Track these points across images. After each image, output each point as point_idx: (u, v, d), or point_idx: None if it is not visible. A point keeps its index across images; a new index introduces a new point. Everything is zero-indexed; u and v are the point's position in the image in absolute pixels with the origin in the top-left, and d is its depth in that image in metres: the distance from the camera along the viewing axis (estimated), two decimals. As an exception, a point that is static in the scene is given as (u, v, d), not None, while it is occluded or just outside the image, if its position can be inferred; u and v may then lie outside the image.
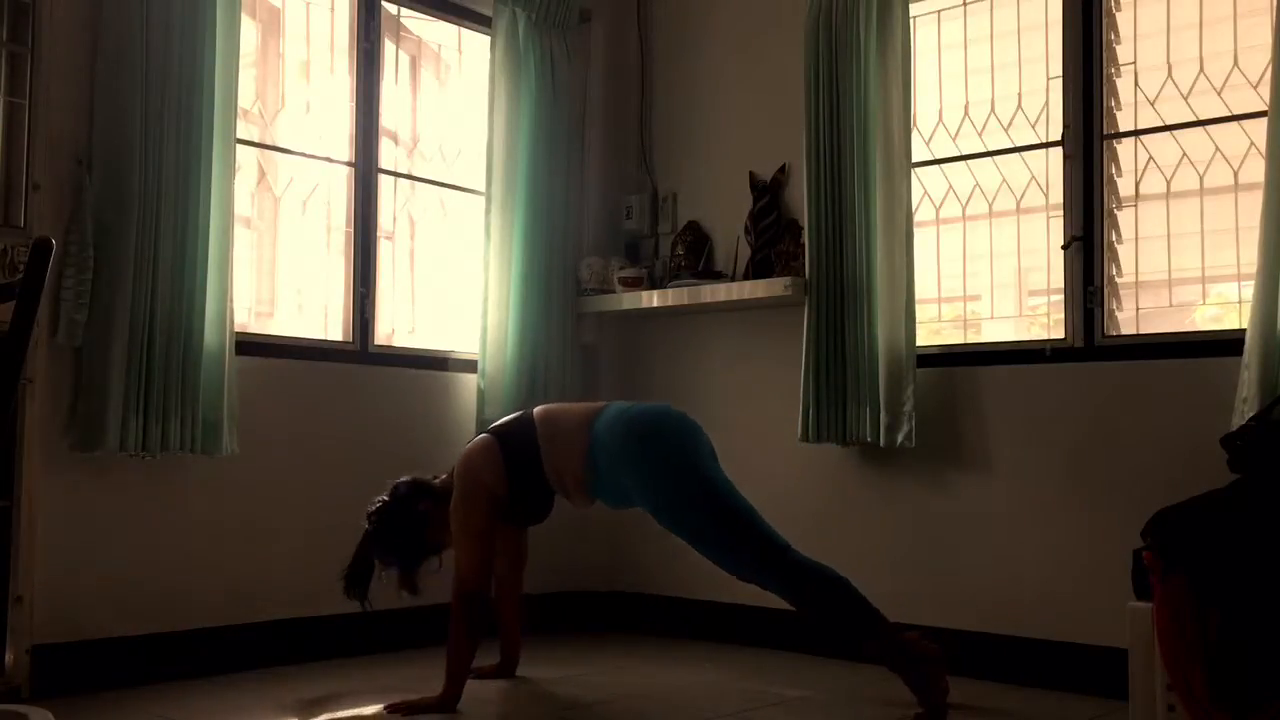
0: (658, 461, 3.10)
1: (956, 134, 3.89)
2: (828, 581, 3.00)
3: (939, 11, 3.95)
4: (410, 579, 3.20)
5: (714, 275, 4.26)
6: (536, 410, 3.29)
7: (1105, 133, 3.54)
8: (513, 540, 3.43)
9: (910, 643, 2.97)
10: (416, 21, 4.33)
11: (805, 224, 3.93)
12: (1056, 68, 3.63)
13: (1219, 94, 3.38)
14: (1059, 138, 3.61)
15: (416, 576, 3.21)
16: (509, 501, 3.19)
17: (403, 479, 3.28)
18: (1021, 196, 3.74)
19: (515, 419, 3.29)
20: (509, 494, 3.17)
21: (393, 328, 4.16)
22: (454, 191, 4.35)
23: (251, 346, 3.60)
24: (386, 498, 3.24)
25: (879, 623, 2.99)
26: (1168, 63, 3.48)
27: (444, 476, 3.29)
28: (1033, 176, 3.72)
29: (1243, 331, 3.11)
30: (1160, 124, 3.48)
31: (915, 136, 3.82)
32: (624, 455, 3.11)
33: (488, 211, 4.17)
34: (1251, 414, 2.90)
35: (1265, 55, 3.21)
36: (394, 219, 4.20)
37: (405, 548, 3.20)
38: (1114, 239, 3.53)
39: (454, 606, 3.10)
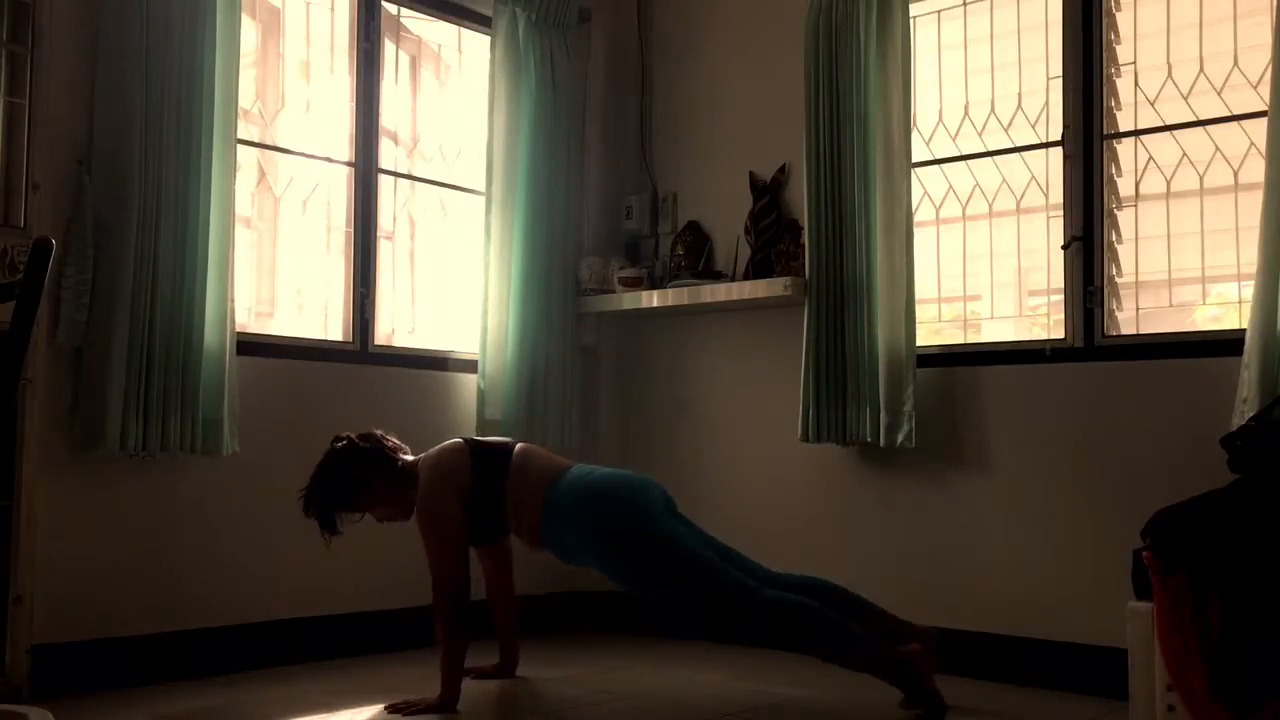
0: (610, 530, 3.12)
1: (956, 134, 3.89)
2: (802, 613, 2.99)
3: (939, 11, 3.95)
4: (329, 520, 3.18)
5: (714, 275, 4.26)
6: (519, 445, 3.31)
7: (1105, 133, 3.54)
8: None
9: (896, 652, 2.97)
10: (416, 21, 4.33)
11: (805, 224, 3.93)
12: (1056, 68, 3.63)
13: (1219, 94, 3.38)
14: (1059, 138, 3.61)
15: (337, 521, 3.19)
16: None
17: (375, 432, 3.28)
18: (1021, 196, 3.74)
19: (495, 441, 3.33)
20: (471, 497, 3.19)
21: (393, 328, 4.16)
22: (454, 191, 4.35)
23: (251, 346, 3.60)
24: (352, 439, 3.24)
25: (859, 641, 2.98)
26: (1168, 63, 3.48)
27: (408, 459, 3.28)
28: (1033, 176, 3.72)
29: (1243, 331, 3.11)
30: (1160, 124, 3.48)
31: (915, 136, 3.82)
32: (576, 520, 3.14)
33: (488, 211, 4.17)
34: (1251, 414, 2.90)
35: (1265, 55, 3.21)
36: (394, 219, 4.20)
37: (333, 495, 3.18)
38: (1114, 239, 3.53)
39: (435, 608, 3.11)
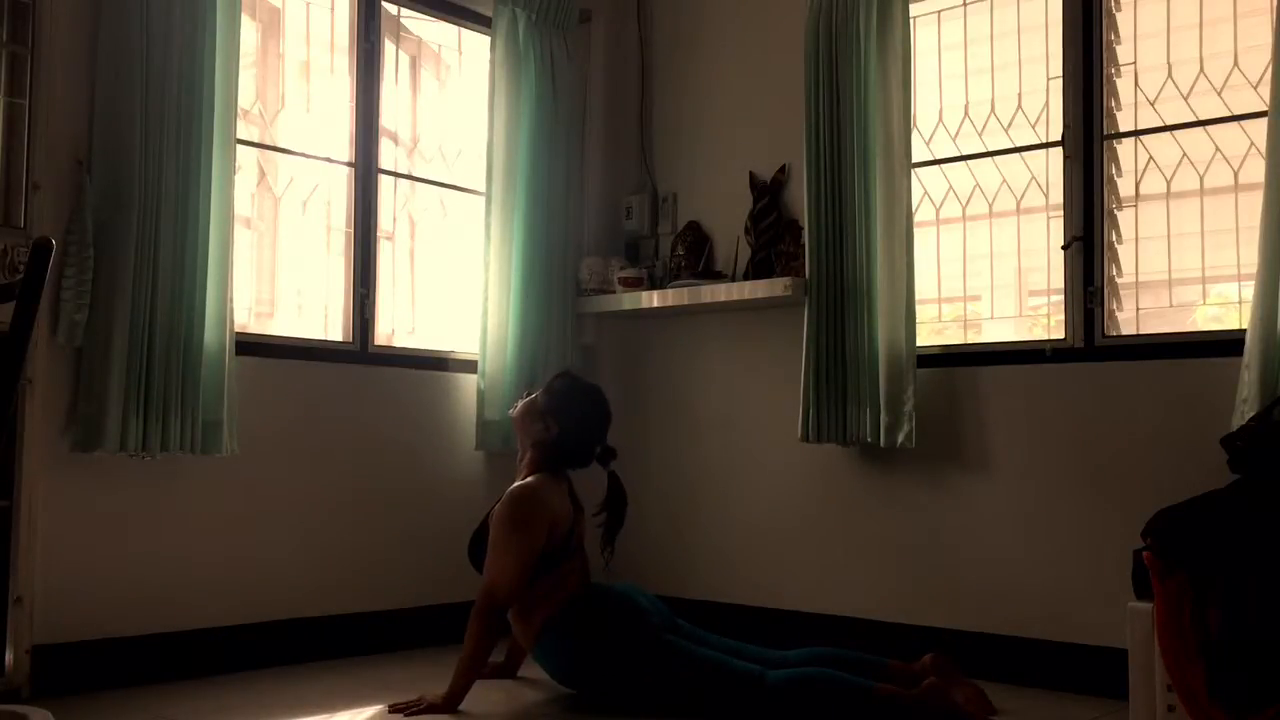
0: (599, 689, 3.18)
1: (956, 134, 3.89)
2: (810, 684, 2.92)
3: (939, 11, 3.95)
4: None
5: (714, 275, 4.26)
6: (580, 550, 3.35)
7: (1105, 133, 3.54)
8: None
9: (912, 699, 2.91)
10: (416, 21, 4.33)
11: (805, 224, 3.93)
12: (1056, 68, 3.63)
13: (1219, 94, 3.38)
14: (1059, 138, 3.61)
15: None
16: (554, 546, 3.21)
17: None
18: (1021, 197, 3.74)
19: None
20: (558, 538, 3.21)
21: (393, 328, 4.16)
22: (454, 191, 4.35)
23: (251, 346, 3.60)
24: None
25: (872, 693, 2.90)
26: (1168, 63, 3.48)
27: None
28: (1033, 177, 3.72)
29: (1243, 332, 3.11)
30: (1160, 124, 3.48)
31: (915, 137, 3.81)
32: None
33: (488, 211, 4.17)
34: (1251, 414, 2.90)
35: (1265, 55, 3.21)
36: (394, 219, 4.20)
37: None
38: (1114, 239, 3.53)
39: (478, 619, 3.10)
